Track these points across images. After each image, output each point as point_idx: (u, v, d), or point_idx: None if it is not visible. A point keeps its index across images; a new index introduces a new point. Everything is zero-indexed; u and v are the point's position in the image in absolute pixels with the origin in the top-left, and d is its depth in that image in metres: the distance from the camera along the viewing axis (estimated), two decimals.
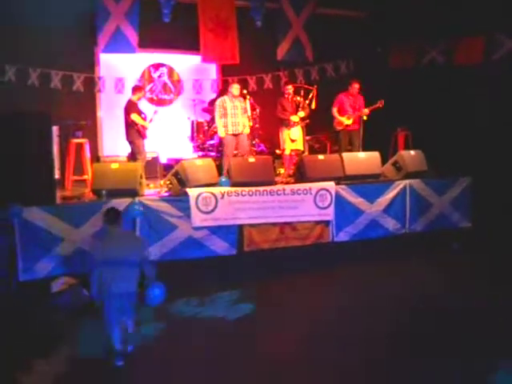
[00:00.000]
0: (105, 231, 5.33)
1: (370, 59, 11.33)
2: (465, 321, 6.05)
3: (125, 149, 9.63)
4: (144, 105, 10.26)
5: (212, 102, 11.20)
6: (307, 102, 9.53)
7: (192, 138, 10.85)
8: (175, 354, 5.50)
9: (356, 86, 9.82)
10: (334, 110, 9.85)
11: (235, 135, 9.02)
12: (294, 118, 9.39)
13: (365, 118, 9.83)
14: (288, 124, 9.43)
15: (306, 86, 9.95)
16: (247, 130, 9.19)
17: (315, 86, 9.68)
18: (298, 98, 9.54)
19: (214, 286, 7.16)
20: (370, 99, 9.87)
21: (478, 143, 9.71)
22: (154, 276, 5.26)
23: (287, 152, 9.49)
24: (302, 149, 9.62)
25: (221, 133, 9.02)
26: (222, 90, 11.31)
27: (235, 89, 9.08)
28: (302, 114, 9.43)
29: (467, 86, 9.91)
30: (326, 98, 9.86)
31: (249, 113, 9.20)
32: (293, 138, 9.43)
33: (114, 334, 5.14)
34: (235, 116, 9.00)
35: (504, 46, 9.70)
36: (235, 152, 9.11)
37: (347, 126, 9.81)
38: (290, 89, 9.54)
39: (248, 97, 9.64)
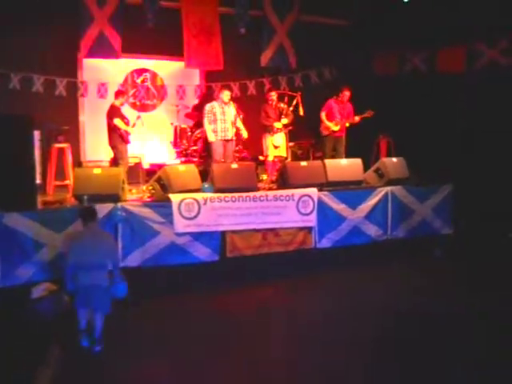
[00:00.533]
0: (81, 229, 5.75)
1: (352, 66, 11.41)
2: (447, 326, 6.12)
3: (107, 154, 9.60)
4: (127, 110, 10.24)
5: (195, 108, 11.25)
6: (291, 108, 9.60)
7: (175, 144, 10.85)
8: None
9: (347, 93, 9.89)
10: (323, 115, 9.91)
11: (224, 141, 9.05)
12: (278, 125, 9.44)
13: (347, 124, 9.91)
14: (271, 130, 9.48)
15: (290, 93, 10.02)
16: (245, 134, 9.24)
17: (299, 93, 9.74)
18: (282, 105, 9.60)
19: (196, 292, 7.16)
20: (352, 106, 9.95)
21: (459, 151, 9.84)
22: (120, 270, 5.77)
23: (270, 158, 9.53)
24: (285, 155, 9.68)
25: (211, 137, 9.01)
26: (205, 95, 11.34)
27: (225, 95, 9.10)
28: (285, 120, 9.48)
29: (449, 94, 10.05)
30: (310, 105, 9.92)
31: (232, 118, 9.19)
32: (276, 145, 9.48)
33: (82, 321, 5.61)
34: (224, 122, 9.03)
35: (484, 56, 9.86)
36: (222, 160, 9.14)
37: (333, 132, 9.88)
38: (273, 95, 9.60)
39: (231, 103, 9.64)
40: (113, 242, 6.11)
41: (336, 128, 9.85)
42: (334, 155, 9.89)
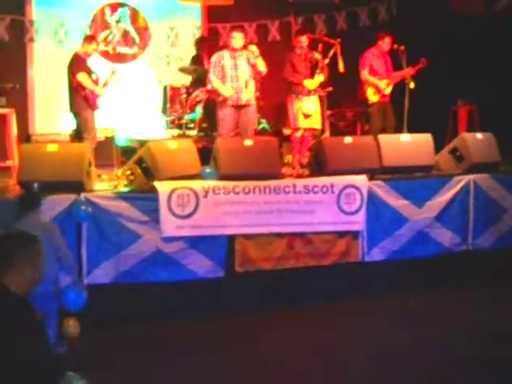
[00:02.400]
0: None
1: (419, 2, 11.34)
2: None
3: (67, 124, 9.62)
4: (96, 61, 10.23)
5: (194, 60, 11.23)
6: (326, 61, 9.56)
7: (164, 110, 10.85)
8: None
9: (388, 40, 10.03)
10: (366, 74, 9.98)
11: (237, 107, 9.02)
12: (310, 84, 9.39)
13: (412, 85, 9.91)
14: (300, 92, 9.43)
15: (326, 39, 9.96)
16: (263, 67, 9.00)
17: (338, 40, 9.69)
18: (316, 55, 9.54)
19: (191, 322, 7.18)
20: (418, 57, 9.90)
21: None
22: (75, 272, 6.35)
23: (298, 133, 9.49)
24: (318, 127, 9.64)
25: (225, 91, 8.89)
26: (207, 41, 11.30)
27: (236, 39, 8.95)
28: (320, 77, 9.44)
29: None
30: (358, 57, 9.91)
31: (247, 75, 9.10)
32: (307, 113, 9.43)
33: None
34: (237, 80, 8.97)
35: None
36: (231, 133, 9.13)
37: (383, 96, 9.94)
38: (303, 41, 9.55)
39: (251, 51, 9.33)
40: (54, 229, 6.34)
41: (389, 90, 9.95)
42: (383, 130, 9.93)
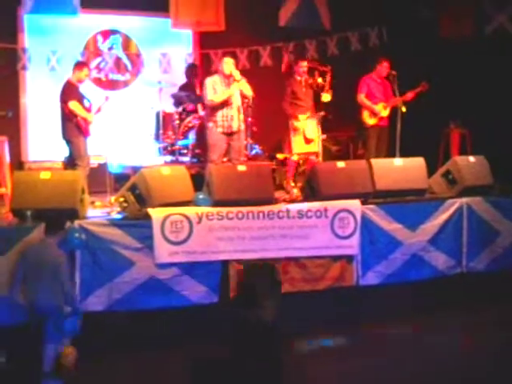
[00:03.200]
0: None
1: (411, 26, 11.42)
2: None
3: (60, 151, 9.61)
4: (88, 88, 10.26)
5: (184, 88, 11.26)
6: (330, 94, 9.67)
7: (157, 137, 10.86)
8: None
9: (386, 64, 10.17)
10: (362, 97, 10.08)
11: (228, 134, 9.08)
12: (326, 97, 9.53)
13: (403, 109, 9.98)
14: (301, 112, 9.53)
15: (319, 67, 10.02)
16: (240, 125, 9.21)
17: (329, 67, 9.74)
18: (319, 80, 9.63)
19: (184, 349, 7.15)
20: (409, 82, 9.96)
21: None
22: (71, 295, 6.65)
23: (295, 157, 9.54)
24: (318, 150, 9.68)
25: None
26: (193, 67, 11.34)
27: (227, 64, 9.04)
28: (327, 96, 9.58)
29: None
30: (350, 81, 9.94)
31: (239, 102, 9.20)
32: (309, 137, 9.48)
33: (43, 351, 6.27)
34: (228, 106, 9.04)
35: None
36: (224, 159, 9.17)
37: (381, 119, 10.04)
38: (304, 66, 9.64)
39: (240, 78, 9.44)
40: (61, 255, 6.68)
41: (385, 113, 10.04)
42: (378, 154, 9.99)
